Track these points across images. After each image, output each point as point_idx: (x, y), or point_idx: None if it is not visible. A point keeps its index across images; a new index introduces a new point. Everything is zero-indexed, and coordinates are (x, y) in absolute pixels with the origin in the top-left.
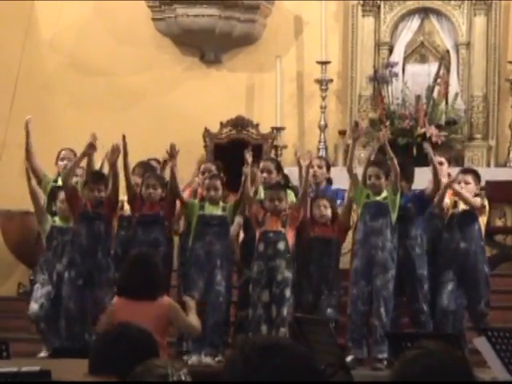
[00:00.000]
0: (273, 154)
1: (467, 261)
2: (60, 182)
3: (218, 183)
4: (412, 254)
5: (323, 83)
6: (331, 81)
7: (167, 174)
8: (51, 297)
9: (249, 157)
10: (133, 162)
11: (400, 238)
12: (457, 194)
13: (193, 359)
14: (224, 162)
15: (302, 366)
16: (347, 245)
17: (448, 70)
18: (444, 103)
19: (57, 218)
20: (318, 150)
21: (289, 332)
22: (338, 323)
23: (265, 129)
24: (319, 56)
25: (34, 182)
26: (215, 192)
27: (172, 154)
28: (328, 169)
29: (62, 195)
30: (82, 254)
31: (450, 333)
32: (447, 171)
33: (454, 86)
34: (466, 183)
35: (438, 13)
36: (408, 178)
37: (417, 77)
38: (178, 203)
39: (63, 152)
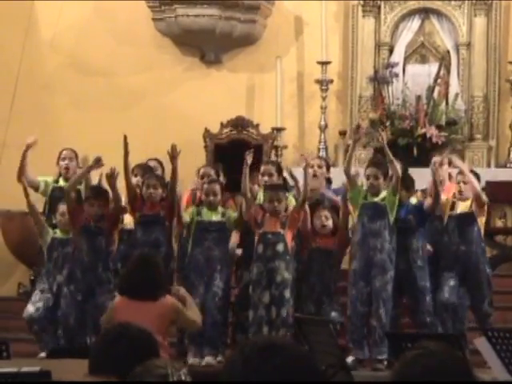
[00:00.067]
0: (273, 155)
1: (468, 263)
2: (61, 183)
3: (217, 188)
4: (413, 266)
5: (323, 83)
6: (331, 81)
7: (167, 175)
8: (49, 304)
9: (249, 158)
10: (133, 162)
11: (401, 250)
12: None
13: (192, 360)
14: (224, 163)
15: (301, 366)
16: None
17: (448, 71)
18: (444, 103)
19: (57, 230)
20: (319, 150)
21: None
22: (343, 325)
23: (265, 129)
24: (319, 56)
25: (32, 198)
26: (214, 197)
27: (173, 154)
28: (328, 169)
29: (61, 208)
30: (83, 269)
31: (450, 333)
32: (448, 171)
33: (454, 87)
34: (465, 183)
35: (438, 13)
36: (408, 187)
37: (417, 77)
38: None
39: (64, 152)
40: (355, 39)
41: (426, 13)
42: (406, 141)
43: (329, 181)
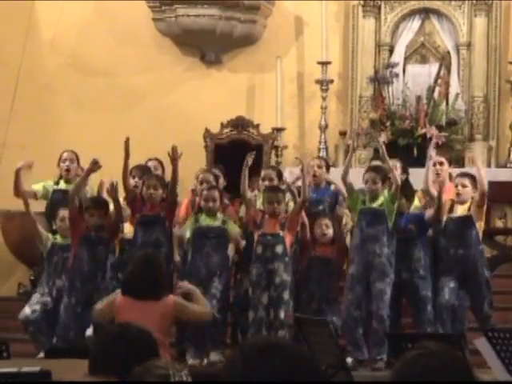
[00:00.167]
0: (273, 155)
1: (467, 266)
2: (62, 185)
3: (216, 194)
4: (415, 275)
5: (324, 84)
6: (332, 81)
7: (167, 175)
8: (47, 307)
9: (250, 160)
10: (133, 162)
11: (403, 260)
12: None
13: (192, 361)
14: (224, 163)
15: (301, 366)
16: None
17: (448, 71)
18: (444, 104)
19: (57, 236)
20: (319, 150)
21: (290, 333)
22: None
23: (265, 129)
24: (320, 56)
25: (31, 208)
26: (213, 203)
27: (174, 156)
28: (328, 169)
29: (61, 213)
30: (83, 279)
31: (450, 333)
32: (448, 171)
33: (454, 87)
34: (463, 186)
35: (438, 13)
36: (408, 196)
37: (417, 77)
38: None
39: (65, 154)
40: (355, 39)
41: (426, 13)
42: (406, 141)
43: (328, 181)
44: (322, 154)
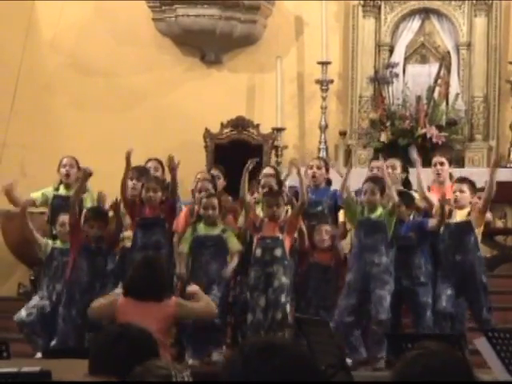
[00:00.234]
0: (273, 155)
1: (465, 272)
2: (62, 190)
3: (216, 202)
4: (416, 282)
5: (324, 84)
6: (332, 81)
7: (167, 175)
8: (44, 311)
9: (251, 165)
10: (134, 162)
11: (403, 267)
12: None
13: (192, 361)
14: (224, 163)
15: (301, 366)
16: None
17: (448, 71)
18: (444, 104)
19: (58, 241)
20: (319, 150)
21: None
22: None
23: (265, 129)
24: (320, 56)
25: (28, 220)
26: (213, 211)
27: (172, 166)
28: (327, 170)
29: (61, 218)
30: (82, 291)
31: (450, 333)
32: (448, 171)
33: (454, 87)
34: (461, 192)
35: (438, 13)
36: (408, 204)
37: (417, 77)
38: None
39: (64, 159)
40: (355, 39)
41: (426, 13)
42: (406, 141)
43: (328, 182)
44: (322, 154)
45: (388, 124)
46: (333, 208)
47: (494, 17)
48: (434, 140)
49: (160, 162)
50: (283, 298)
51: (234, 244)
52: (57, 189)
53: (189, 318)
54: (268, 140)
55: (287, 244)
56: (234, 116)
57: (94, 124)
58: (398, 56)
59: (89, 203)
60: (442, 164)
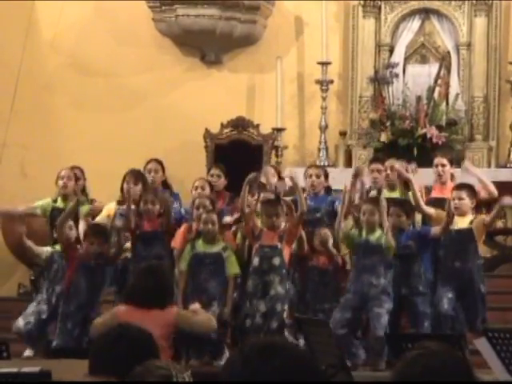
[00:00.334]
0: (273, 155)
1: (463, 280)
2: (59, 203)
3: (215, 217)
4: (415, 292)
5: (324, 84)
6: (332, 81)
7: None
8: (42, 317)
9: (251, 181)
10: (134, 162)
11: (402, 276)
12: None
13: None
14: (224, 163)
15: (301, 366)
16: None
17: (448, 71)
18: (444, 104)
19: (57, 246)
20: (319, 150)
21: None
22: None
23: (265, 129)
24: (320, 57)
25: (27, 239)
26: (212, 226)
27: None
28: (326, 177)
29: (69, 223)
30: (79, 306)
31: (450, 333)
32: (450, 172)
33: (454, 87)
34: (460, 199)
35: (438, 13)
36: (408, 213)
37: (417, 77)
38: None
39: (63, 172)
40: (355, 39)
41: (426, 13)
42: (406, 141)
43: (328, 190)
44: (322, 154)
45: (388, 124)
46: (331, 214)
47: (494, 17)
48: (434, 140)
49: (160, 163)
50: (279, 307)
51: (233, 267)
52: (55, 201)
53: (188, 329)
54: (268, 140)
55: (286, 253)
56: (234, 116)
57: (94, 124)
58: (398, 56)
59: (85, 212)
60: (443, 165)
